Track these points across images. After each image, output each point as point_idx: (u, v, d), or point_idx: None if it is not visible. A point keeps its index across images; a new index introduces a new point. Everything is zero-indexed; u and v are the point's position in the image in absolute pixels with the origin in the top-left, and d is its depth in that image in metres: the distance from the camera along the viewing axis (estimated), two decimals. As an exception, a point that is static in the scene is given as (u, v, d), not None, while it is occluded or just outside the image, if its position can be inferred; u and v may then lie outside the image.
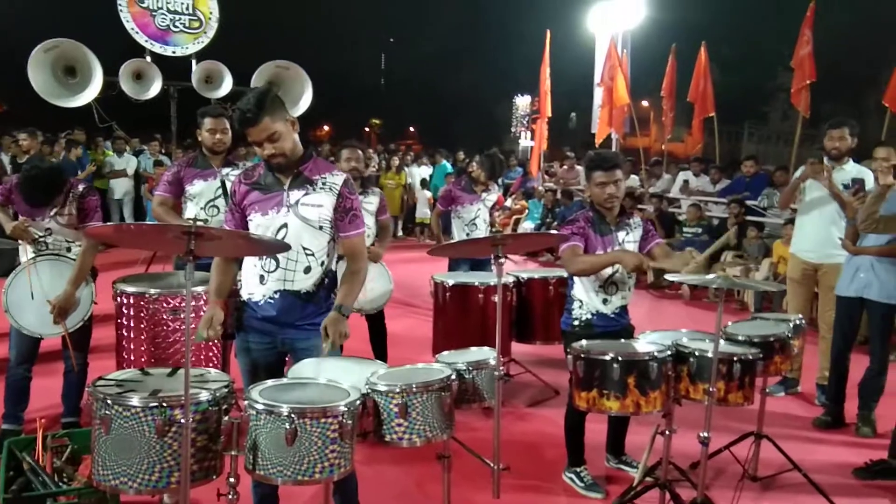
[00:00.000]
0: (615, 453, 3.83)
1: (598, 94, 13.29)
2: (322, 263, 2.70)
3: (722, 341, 3.02)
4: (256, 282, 2.67)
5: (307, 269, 2.66)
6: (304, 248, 2.64)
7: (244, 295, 2.75)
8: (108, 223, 2.32)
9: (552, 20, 15.05)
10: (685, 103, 12.45)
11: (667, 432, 3.09)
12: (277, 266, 2.64)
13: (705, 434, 2.84)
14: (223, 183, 4.22)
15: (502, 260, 2.36)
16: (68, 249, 3.86)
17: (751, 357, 3.01)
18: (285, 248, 2.48)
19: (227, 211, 2.77)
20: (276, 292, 2.65)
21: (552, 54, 13.64)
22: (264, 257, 2.65)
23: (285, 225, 2.63)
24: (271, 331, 2.70)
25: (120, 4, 7.61)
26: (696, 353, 2.96)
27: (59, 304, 3.66)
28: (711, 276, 2.83)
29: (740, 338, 3.34)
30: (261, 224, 2.63)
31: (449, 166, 13.68)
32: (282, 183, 2.66)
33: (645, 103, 20.33)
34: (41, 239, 3.84)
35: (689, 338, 3.25)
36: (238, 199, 2.69)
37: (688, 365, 2.98)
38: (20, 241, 3.90)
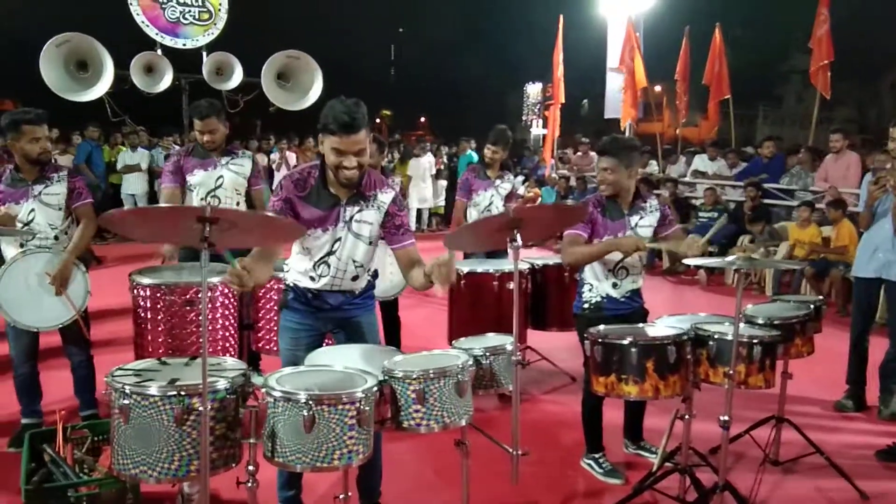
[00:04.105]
0: (633, 439, 3.81)
1: (613, 80, 13.16)
2: (368, 270, 2.83)
3: (741, 324, 2.98)
4: (307, 280, 2.76)
5: (355, 277, 2.78)
6: (354, 261, 2.74)
7: (290, 279, 2.82)
8: (125, 208, 2.25)
9: (562, 6, 14.90)
10: (698, 87, 12.33)
11: (686, 417, 3.06)
12: (328, 273, 2.73)
13: (725, 418, 2.81)
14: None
15: (518, 243, 2.32)
16: (56, 238, 3.75)
17: (771, 339, 2.97)
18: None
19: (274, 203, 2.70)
20: (324, 289, 2.76)
21: (563, 40, 13.53)
22: (317, 264, 2.71)
23: (339, 239, 2.69)
24: (314, 314, 2.80)
25: (130, -3, 7.63)
26: (716, 336, 2.93)
27: (58, 273, 3.61)
28: (731, 257, 2.79)
29: (760, 320, 3.30)
30: (321, 238, 2.68)
31: (474, 155, 13.53)
32: (338, 198, 2.67)
33: (658, 88, 20.13)
34: (25, 226, 3.72)
35: (708, 321, 3.22)
36: (296, 212, 2.65)
37: (707, 348, 2.95)
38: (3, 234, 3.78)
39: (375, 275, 2.92)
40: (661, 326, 3.13)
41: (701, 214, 9.37)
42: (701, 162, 10.67)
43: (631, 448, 3.81)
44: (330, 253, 2.71)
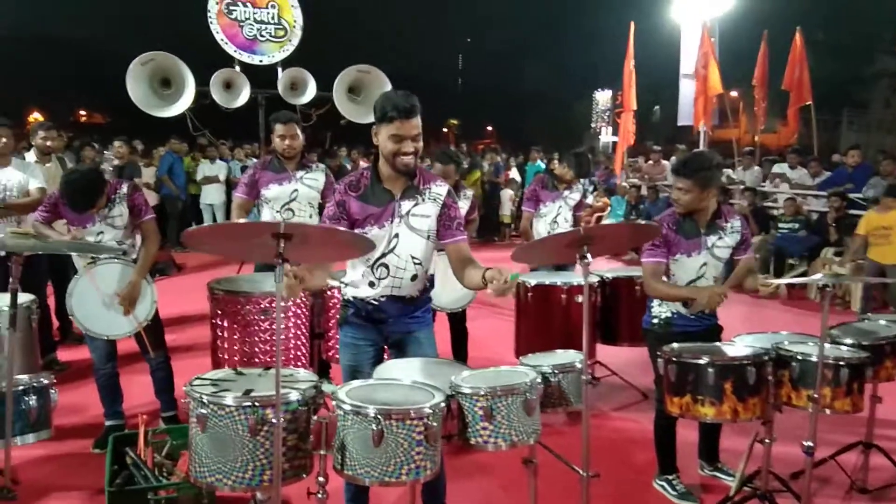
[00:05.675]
0: (709, 460, 3.67)
1: (686, 86, 12.83)
2: (426, 271, 2.79)
3: (827, 344, 2.83)
4: (366, 286, 2.74)
5: (414, 277, 2.74)
6: (413, 258, 2.71)
7: (349, 294, 2.82)
8: (204, 225, 2.25)
9: (632, 12, 14.67)
10: (777, 92, 11.88)
11: (766, 441, 2.93)
12: (388, 274, 2.70)
13: (809, 444, 2.67)
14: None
15: (588, 260, 2.28)
16: (124, 253, 3.90)
17: (859, 361, 2.81)
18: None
19: (324, 221, 2.74)
20: (383, 297, 2.73)
21: (634, 47, 13.29)
22: (375, 266, 2.70)
23: (397, 235, 2.69)
24: (374, 327, 2.79)
25: (210, 17, 7.93)
26: (799, 357, 2.80)
27: (126, 295, 3.76)
28: (817, 275, 2.65)
29: (848, 340, 3.12)
30: (377, 235, 2.66)
31: (543, 165, 13.39)
32: (392, 194, 2.69)
33: (734, 93, 19.51)
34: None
35: (791, 340, 3.07)
36: (351, 212, 2.68)
37: (789, 369, 2.82)
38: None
39: (432, 281, 2.90)
40: (740, 345, 3.01)
41: (781, 225, 9.00)
42: (780, 170, 10.28)
43: (707, 470, 3.67)
44: (387, 252, 2.69)
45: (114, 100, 8.13)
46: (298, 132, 4.44)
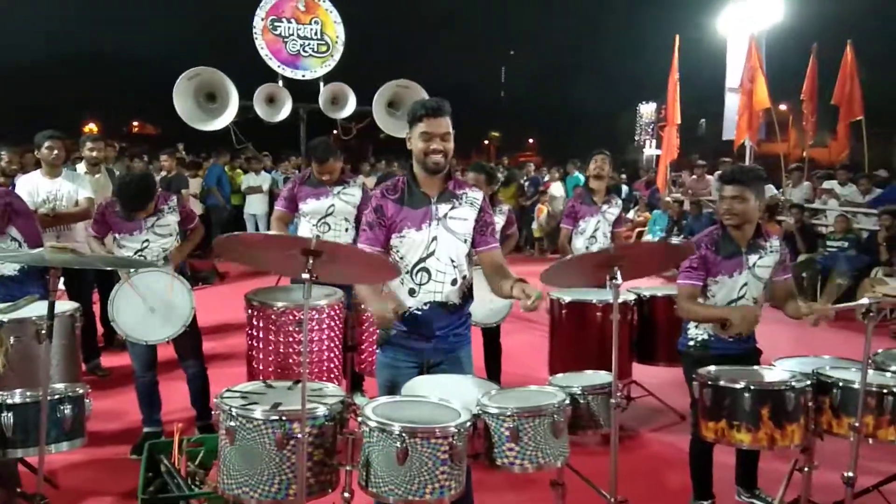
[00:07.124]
0: (746, 486, 3.56)
1: (731, 99, 12.58)
2: (465, 277, 2.77)
3: (870, 371, 2.73)
4: (406, 296, 2.71)
5: (454, 281, 2.72)
6: (452, 261, 2.71)
7: None
8: (235, 233, 2.27)
9: (678, 25, 14.47)
10: (828, 106, 11.55)
11: (806, 469, 2.83)
12: (429, 279, 2.69)
13: (850, 474, 2.57)
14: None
15: (618, 281, 2.24)
16: (165, 259, 4.13)
17: (906, 389, 2.69)
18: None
19: (364, 230, 2.74)
20: (425, 304, 2.71)
21: (679, 59, 13.11)
22: (416, 271, 2.70)
23: (435, 238, 2.69)
24: (415, 346, 2.75)
25: (255, 33, 8.12)
26: (840, 384, 2.70)
27: (174, 256, 4.16)
28: (863, 300, 2.55)
29: (893, 367, 3.00)
30: (415, 238, 2.68)
31: (582, 178, 13.25)
32: (429, 197, 2.71)
33: (783, 107, 19.06)
34: (138, 255, 4.06)
35: (833, 365, 2.97)
36: (388, 215, 2.70)
37: (830, 396, 2.72)
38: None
39: (471, 291, 2.84)
40: (779, 370, 2.92)
41: (829, 243, 8.73)
42: (829, 186, 10.00)
43: (744, 496, 3.56)
44: (427, 256, 2.68)
45: (164, 112, 8.39)
46: (336, 164, 4.52)
